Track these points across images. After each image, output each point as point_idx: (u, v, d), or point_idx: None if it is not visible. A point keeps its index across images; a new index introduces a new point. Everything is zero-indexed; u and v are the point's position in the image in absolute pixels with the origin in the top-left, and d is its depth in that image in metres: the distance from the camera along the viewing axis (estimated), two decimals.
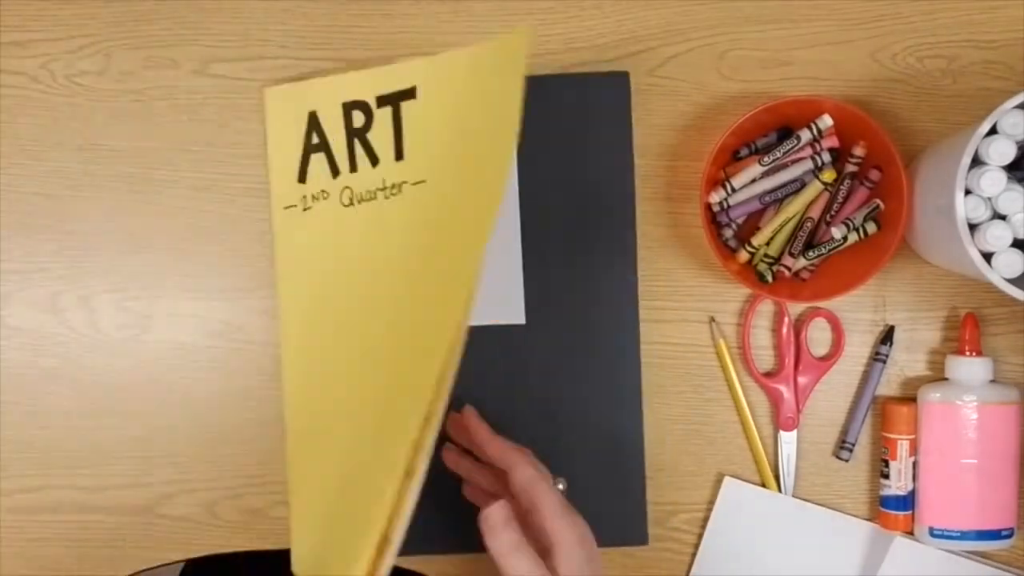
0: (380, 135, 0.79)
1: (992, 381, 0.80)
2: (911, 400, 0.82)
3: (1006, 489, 0.80)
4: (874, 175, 0.80)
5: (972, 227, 0.70)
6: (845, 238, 0.80)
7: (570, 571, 0.68)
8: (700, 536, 0.84)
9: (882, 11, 0.83)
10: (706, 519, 0.84)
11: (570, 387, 0.82)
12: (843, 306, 0.84)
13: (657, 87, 0.83)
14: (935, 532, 0.80)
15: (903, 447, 0.81)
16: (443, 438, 0.80)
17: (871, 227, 0.80)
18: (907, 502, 0.81)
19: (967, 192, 0.70)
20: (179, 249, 0.84)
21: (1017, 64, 0.82)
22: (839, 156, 0.81)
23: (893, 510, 0.81)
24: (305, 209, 0.80)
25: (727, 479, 0.83)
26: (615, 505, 0.82)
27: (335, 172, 0.80)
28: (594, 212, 0.81)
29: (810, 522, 0.83)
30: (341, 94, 0.80)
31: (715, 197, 0.81)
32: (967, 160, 0.69)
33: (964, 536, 0.79)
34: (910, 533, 0.82)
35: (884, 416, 0.83)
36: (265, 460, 0.85)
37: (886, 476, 0.82)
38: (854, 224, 0.80)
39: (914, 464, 0.81)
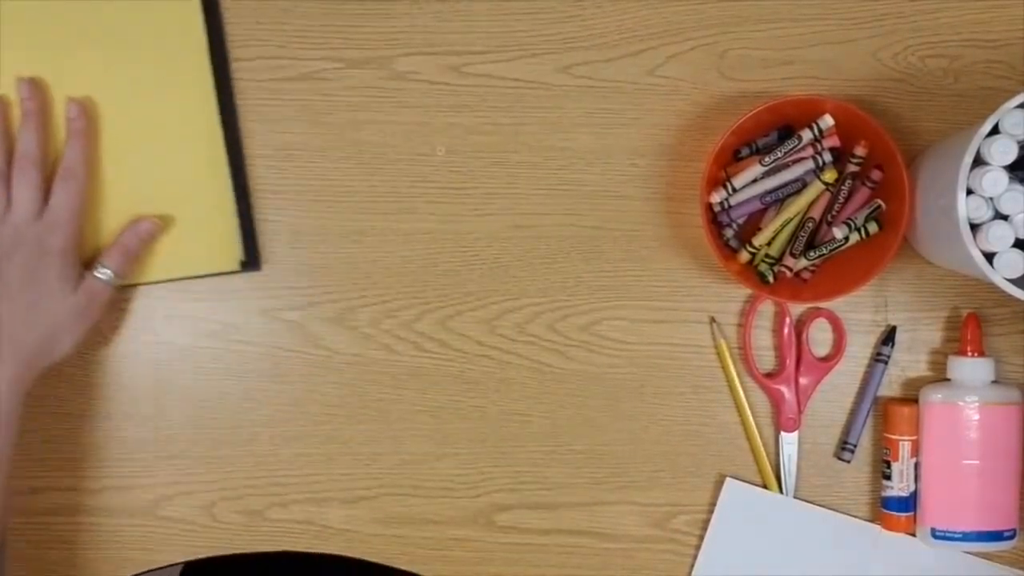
0: None
1: (994, 382, 0.80)
2: (913, 401, 0.82)
3: (1008, 490, 0.80)
4: (875, 175, 0.80)
5: (974, 227, 0.70)
6: (846, 238, 0.80)
7: None
8: (701, 537, 0.84)
9: (884, 10, 0.82)
10: (707, 520, 0.83)
11: None
12: (844, 306, 0.83)
13: (657, 87, 0.83)
14: (937, 533, 0.80)
15: (905, 448, 0.81)
16: None
17: (872, 227, 0.79)
18: (909, 503, 0.81)
19: (969, 192, 0.70)
20: None
21: (1019, 63, 0.82)
22: (840, 156, 0.81)
23: (895, 511, 0.81)
24: None
25: (728, 480, 0.83)
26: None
27: None
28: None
29: (812, 524, 0.83)
30: None
31: (716, 197, 0.80)
32: (969, 160, 0.68)
33: (966, 537, 0.79)
34: (912, 534, 0.82)
35: (886, 417, 0.82)
36: (264, 462, 0.84)
37: (888, 477, 0.81)
38: (855, 224, 0.80)
39: (916, 465, 0.81)
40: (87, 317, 0.79)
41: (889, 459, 0.81)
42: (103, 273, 0.80)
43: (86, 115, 0.81)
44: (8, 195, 0.79)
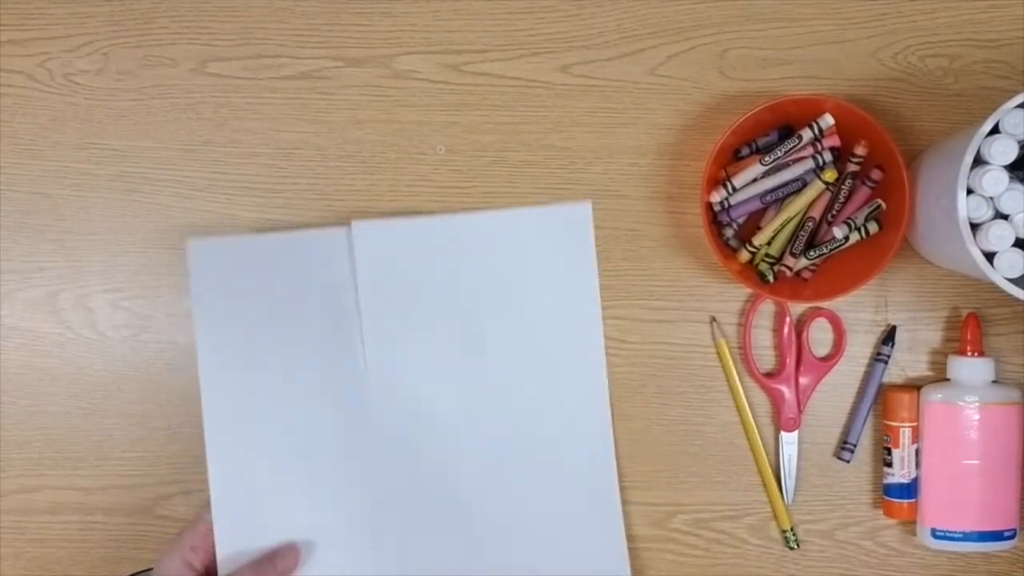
0: None
1: (994, 381, 0.80)
2: (913, 388, 0.82)
3: (1008, 490, 0.80)
4: (876, 174, 0.80)
5: (974, 227, 0.70)
6: (846, 238, 0.80)
7: None
8: (701, 537, 0.83)
9: (883, 10, 0.82)
10: (707, 520, 0.83)
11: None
12: (844, 306, 0.83)
13: (657, 86, 0.83)
14: (937, 533, 0.80)
15: (905, 434, 0.81)
16: None
17: (873, 227, 0.79)
18: (911, 490, 0.81)
19: (969, 192, 0.70)
20: (177, 249, 0.84)
21: (1019, 63, 0.82)
22: (840, 155, 0.81)
23: (896, 498, 0.81)
24: None
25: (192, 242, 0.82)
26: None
27: None
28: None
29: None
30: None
31: (716, 196, 0.80)
32: (969, 159, 0.68)
33: (967, 537, 0.79)
34: (913, 521, 0.82)
35: (886, 404, 0.82)
36: None
37: (889, 464, 0.81)
38: (855, 224, 0.80)
39: (916, 452, 0.81)
40: None
41: (890, 446, 0.81)
42: None
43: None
44: None
